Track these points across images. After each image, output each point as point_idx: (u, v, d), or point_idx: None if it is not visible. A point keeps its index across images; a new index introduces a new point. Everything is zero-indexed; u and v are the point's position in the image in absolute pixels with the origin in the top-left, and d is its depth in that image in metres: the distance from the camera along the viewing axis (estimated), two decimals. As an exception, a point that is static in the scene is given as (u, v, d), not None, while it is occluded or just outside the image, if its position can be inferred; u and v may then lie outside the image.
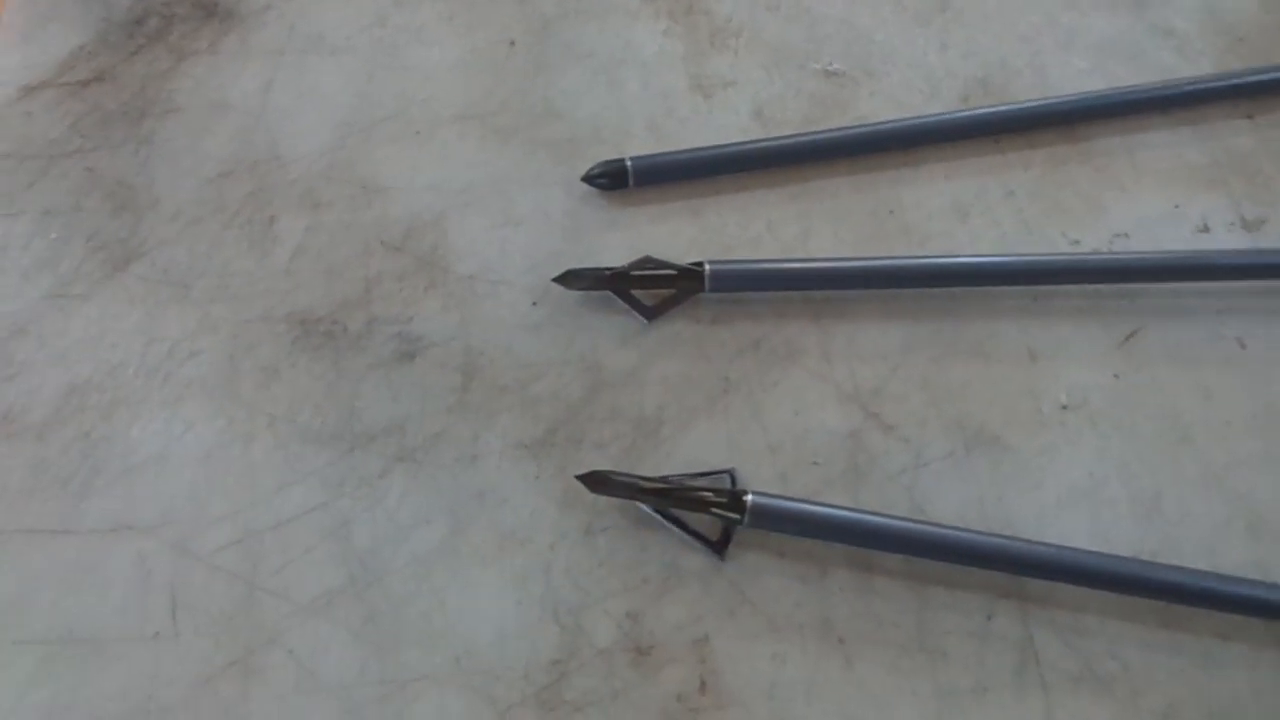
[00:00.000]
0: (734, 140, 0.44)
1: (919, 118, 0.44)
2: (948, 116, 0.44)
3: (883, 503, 0.36)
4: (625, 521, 0.36)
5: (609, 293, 0.40)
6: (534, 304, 0.40)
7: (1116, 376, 0.39)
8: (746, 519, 0.35)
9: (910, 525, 0.35)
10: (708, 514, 0.35)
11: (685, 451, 0.37)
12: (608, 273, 0.40)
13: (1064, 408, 0.39)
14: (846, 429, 0.38)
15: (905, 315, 0.40)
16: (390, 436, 0.37)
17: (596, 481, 0.35)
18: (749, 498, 0.35)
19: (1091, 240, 0.42)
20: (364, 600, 0.34)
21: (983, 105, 0.45)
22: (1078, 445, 0.38)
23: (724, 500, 0.35)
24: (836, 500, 0.36)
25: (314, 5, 0.48)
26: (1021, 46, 0.47)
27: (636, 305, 0.40)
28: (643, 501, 0.36)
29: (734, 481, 0.37)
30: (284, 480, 0.36)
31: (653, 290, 0.40)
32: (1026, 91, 0.46)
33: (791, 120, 0.45)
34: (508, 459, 0.37)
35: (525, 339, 0.39)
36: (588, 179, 0.42)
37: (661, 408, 0.38)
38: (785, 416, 0.38)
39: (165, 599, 0.34)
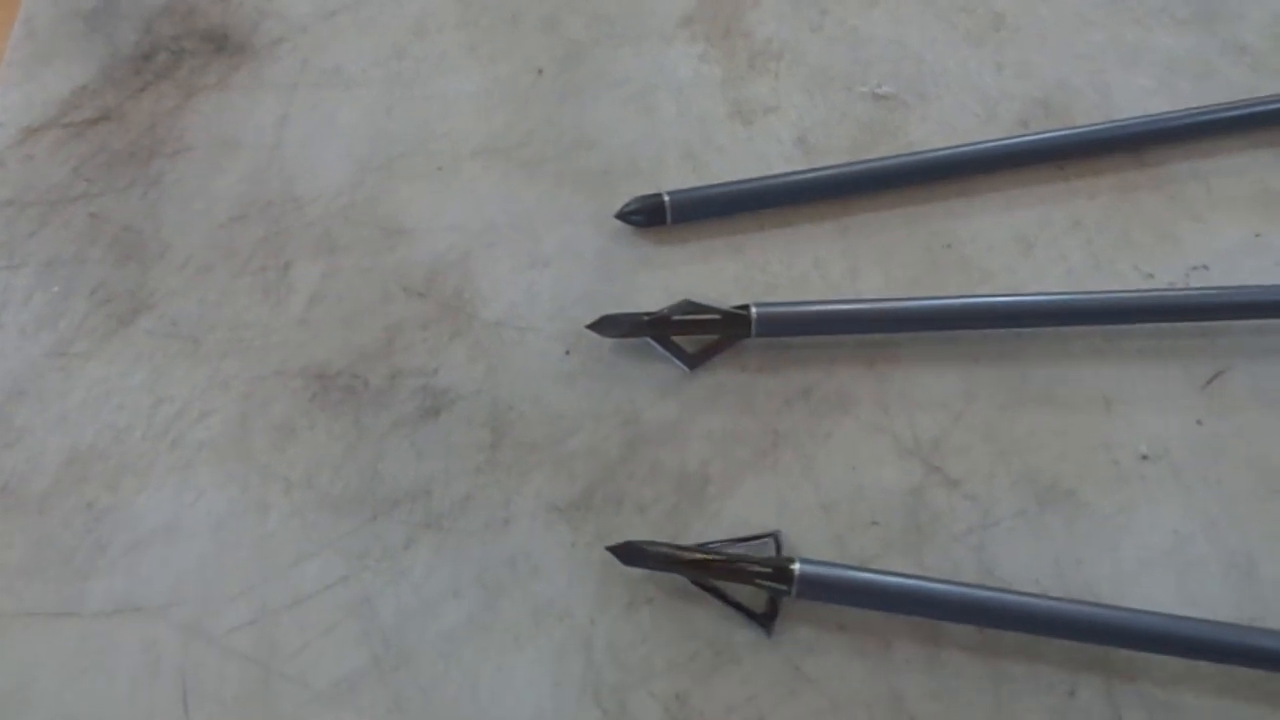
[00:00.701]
0: (776, 170, 0.41)
1: (974, 144, 0.41)
2: (1006, 142, 0.41)
3: (948, 566, 0.34)
4: (669, 592, 0.33)
5: (647, 339, 0.37)
6: (566, 352, 0.37)
7: (1200, 423, 0.36)
8: (795, 590, 0.32)
9: (980, 593, 0.32)
10: (752, 585, 0.32)
11: (733, 512, 0.34)
12: (646, 318, 0.37)
13: (1143, 458, 0.35)
14: (906, 485, 0.35)
15: (966, 359, 0.37)
16: (415, 501, 0.34)
17: (630, 553, 0.33)
18: (796, 566, 0.32)
19: (1166, 274, 0.39)
20: (389, 684, 0.32)
21: (1043, 129, 0.42)
22: (1160, 500, 0.35)
23: (769, 570, 0.32)
24: (897, 564, 0.34)
25: (329, 37, 0.45)
26: (1082, 65, 0.44)
27: (677, 352, 0.37)
28: (680, 573, 0.33)
29: (779, 547, 0.34)
30: (301, 552, 0.33)
31: (694, 336, 0.37)
32: (1089, 113, 0.43)
33: (837, 147, 0.42)
34: (541, 524, 0.34)
35: (557, 391, 0.37)
36: (622, 216, 0.40)
37: (706, 464, 0.35)
38: (840, 472, 0.35)
39: (175, 687, 0.31)
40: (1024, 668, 0.32)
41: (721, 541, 0.34)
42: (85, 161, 0.41)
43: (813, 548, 0.34)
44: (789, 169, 0.41)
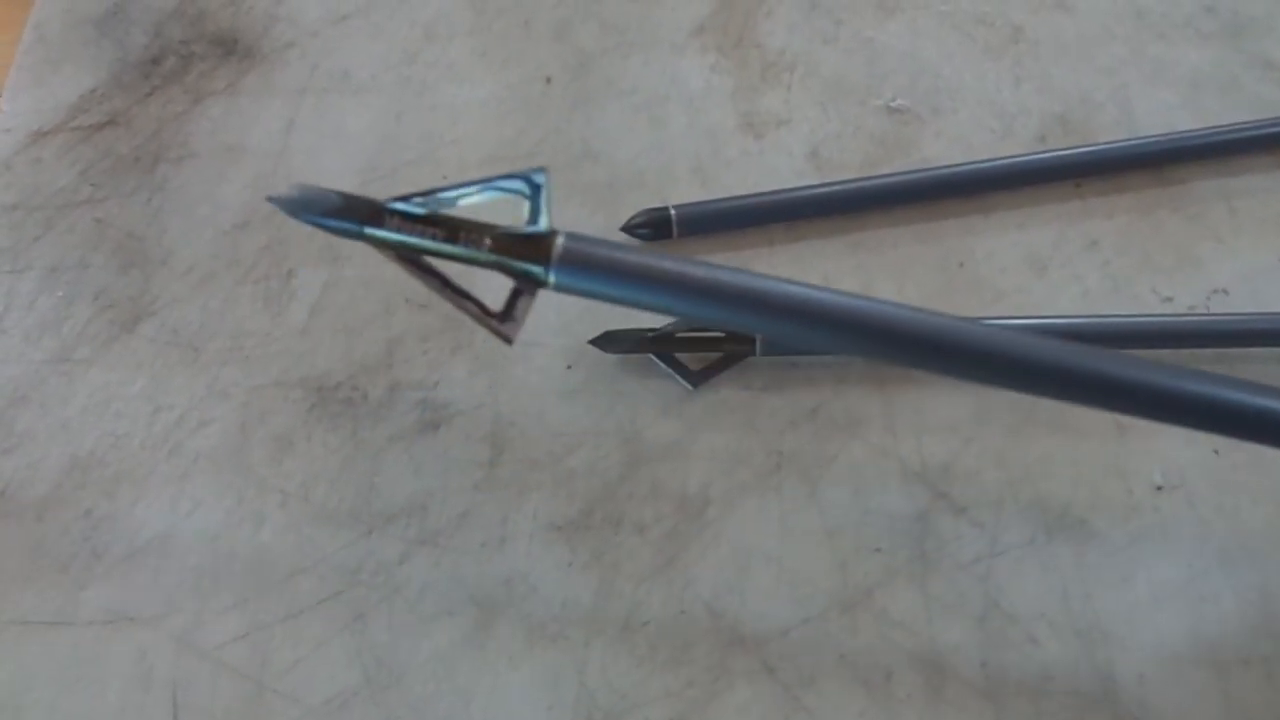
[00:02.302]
0: (787, 184, 0.40)
1: (990, 160, 0.40)
2: (1022, 158, 0.40)
3: (954, 595, 0.33)
4: (667, 615, 0.33)
5: (650, 356, 0.37)
6: (568, 368, 0.37)
7: (1217, 453, 0.35)
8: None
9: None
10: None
11: (733, 535, 0.34)
12: (649, 334, 0.36)
13: (1158, 489, 0.34)
14: (913, 511, 0.34)
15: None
16: (411, 517, 0.34)
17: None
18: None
19: (1186, 297, 0.38)
20: (380, 703, 0.31)
21: (1061, 146, 0.41)
22: (1174, 532, 0.34)
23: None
24: (901, 593, 0.33)
25: (340, 41, 0.45)
26: (1104, 80, 0.43)
27: (680, 370, 0.36)
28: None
29: None
30: (296, 566, 0.33)
31: (698, 353, 0.37)
32: (1110, 130, 0.42)
33: (850, 162, 0.41)
34: (539, 543, 0.34)
35: (559, 407, 0.36)
36: (628, 229, 0.39)
37: (707, 485, 0.35)
38: (844, 496, 0.35)
39: (166, 699, 0.31)
40: (1029, 705, 0.31)
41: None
42: (92, 166, 0.41)
43: (814, 574, 0.33)
44: (800, 183, 0.40)
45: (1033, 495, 0.34)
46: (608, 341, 0.36)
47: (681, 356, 0.37)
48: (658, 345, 0.36)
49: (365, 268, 0.39)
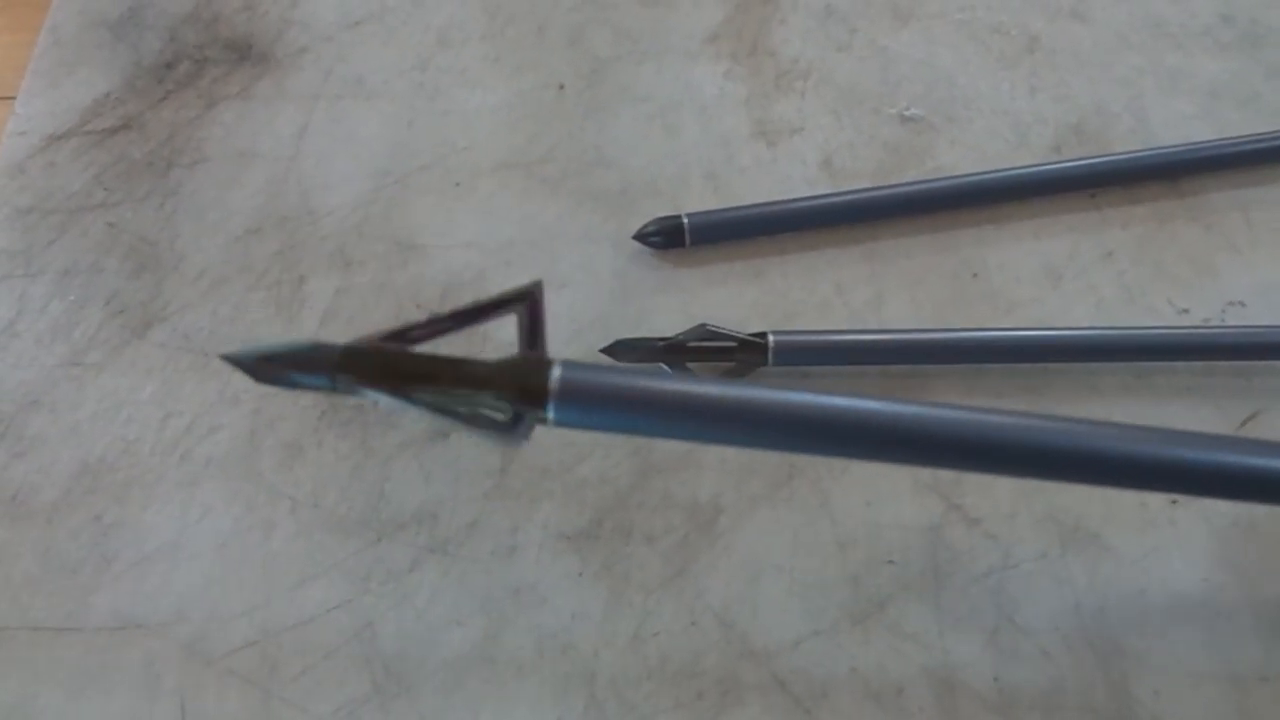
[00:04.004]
0: (800, 192, 0.40)
1: (1005, 169, 0.40)
2: (1037, 168, 0.40)
3: (966, 608, 0.32)
4: (677, 626, 0.32)
5: (662, 365, 0.36)
6: (580, 376, 0.37)
7: (1234, 467, 0.35)
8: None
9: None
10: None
11: (744, 546, 0.34)
12: (661, 344, 0.36)
13: (1173, 501, 0.34)
14: (925, 522, 0.34)
15: (990, 393, 0.36)
16: (421, 525, 0.34)
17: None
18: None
19: (1202, 309, 0.38)
20: (389, 713, 0.31)
21: (1077, 156, 0.41)
22: (1189, 546, 0.33)
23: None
24: (914, 606, 0.33)
25: (353, 47, 0.45)
26: (1120, 90, 0.43)
27: (692, 379, 0.36)
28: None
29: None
30: (305, 574, 0.33)
31: (711, 363, 0.36)
32: (1126, 140, 0.41)
33: (864, 170, 0.41)
34: (549, 552, 0.34)
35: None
36: (640, 237, 0.39)
37: (718, 495, 0.35)
38: (856, 507, 0.34)
39: (174, 707, 0.31)
40: (1040, 719, 0.31)
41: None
42: (105, 170, 0.41)
43: (826, 586, 0.33)
44: (813, 192, 0.40)
45: (1046, 508, 0.34)
46: (619, 350, 0.36)
47: (693, 366, 0.36)
48: (670, 355, 0.36)
49: (377, 274, 0.39)
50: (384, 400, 0.22)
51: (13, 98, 0.44)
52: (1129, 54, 0.44)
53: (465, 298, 0.38)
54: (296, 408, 0.36)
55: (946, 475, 0.35)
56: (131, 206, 0.40)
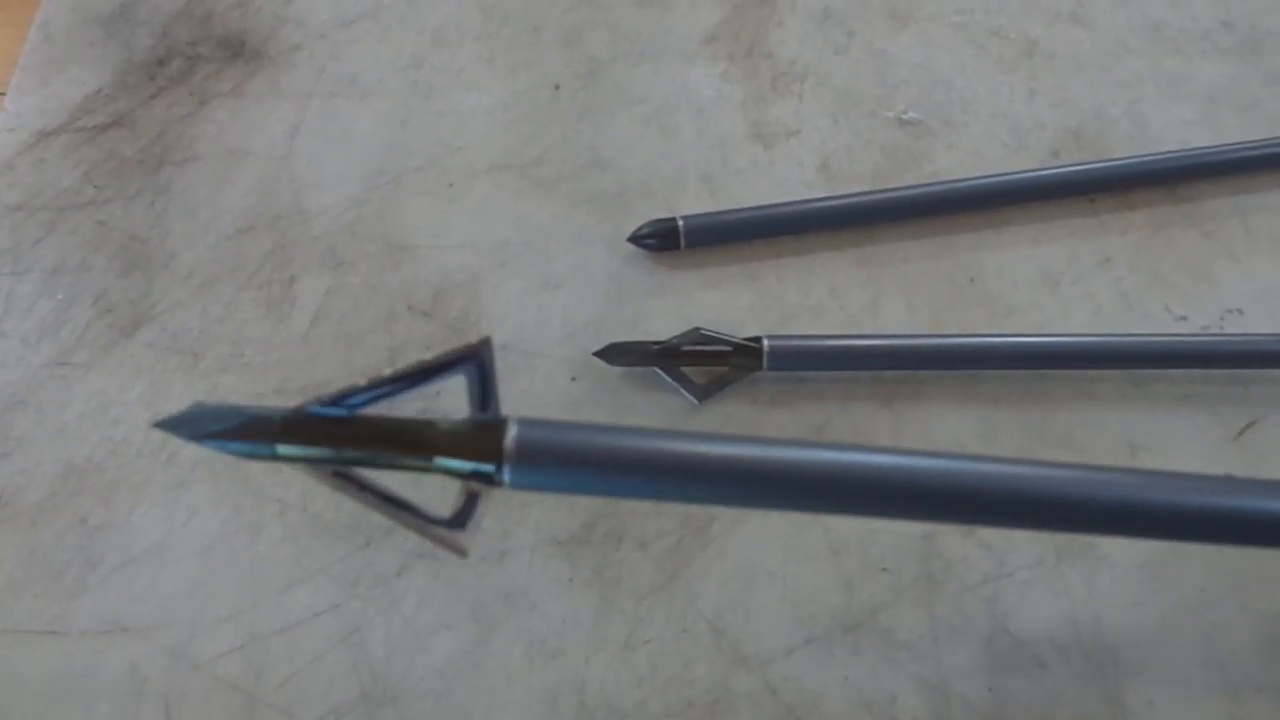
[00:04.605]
0: (796, 196, 0.40)
1: (1003, 174, 0.40)
2: (1035, 173, 0.40)
3: (960, 617, 0.32)
4: (668, 634, 0.32)
5: (655, 369, 0.36)
6: (572, 379, 0.36)
7: (1230, 475, 0.34)
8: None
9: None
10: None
11: (737, 551, 0.33)
12: (654, 347, 0.36)
13: (1170, 511, 0.34)
14: (919, 530, 0.34)
15: (986, 399, 0.36)
16: (410, 529, 0.34)
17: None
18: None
19: (1200, 316, 0.37)
20: (377, 719, 0.31)
21: (1075, 161, 0.40)
22: (1186, 556, 0.33)
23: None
24: (908, 615, 0.32)
25: (347, 45, 0.44)
26: (1119, 94, 0.42)
27: (686, 384, 0.36)
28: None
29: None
30: (292, 578, 0.33)
31: (704, 368, 0.36)
32: (1124, 145, 0.41)
33: (861, 174, 0.41)
34: (539, 557, 0.33)
35: (562, 419, 0.36)
36: (634, 239, 0.39)
37: (711, 501, 0.34)
38: (850, 514, 0.34)
39: (159, 712, 0.31)
40: (1036, 727, 0.31)
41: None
42: (95, 167, 0.41)
43: (819, 593, 0.33)
44: (810, 195, 0.40)
45: (1042, 516, 0.34)
46: (613, 354, 0.36)
47: (687, 370, 0.36)
48: (663, 359, 0.36)
49: (369, 275, 0.38)
50: (329, 462, 0.21)
51: (2, 94, 0.43)
52: (1128, 58, 0.43)
53: (458, 300, 0.38)
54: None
55: (941, 482, 0.34)
56: (121, 204, 0.40)
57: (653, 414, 0.36)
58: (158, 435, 0.35)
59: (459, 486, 0.22)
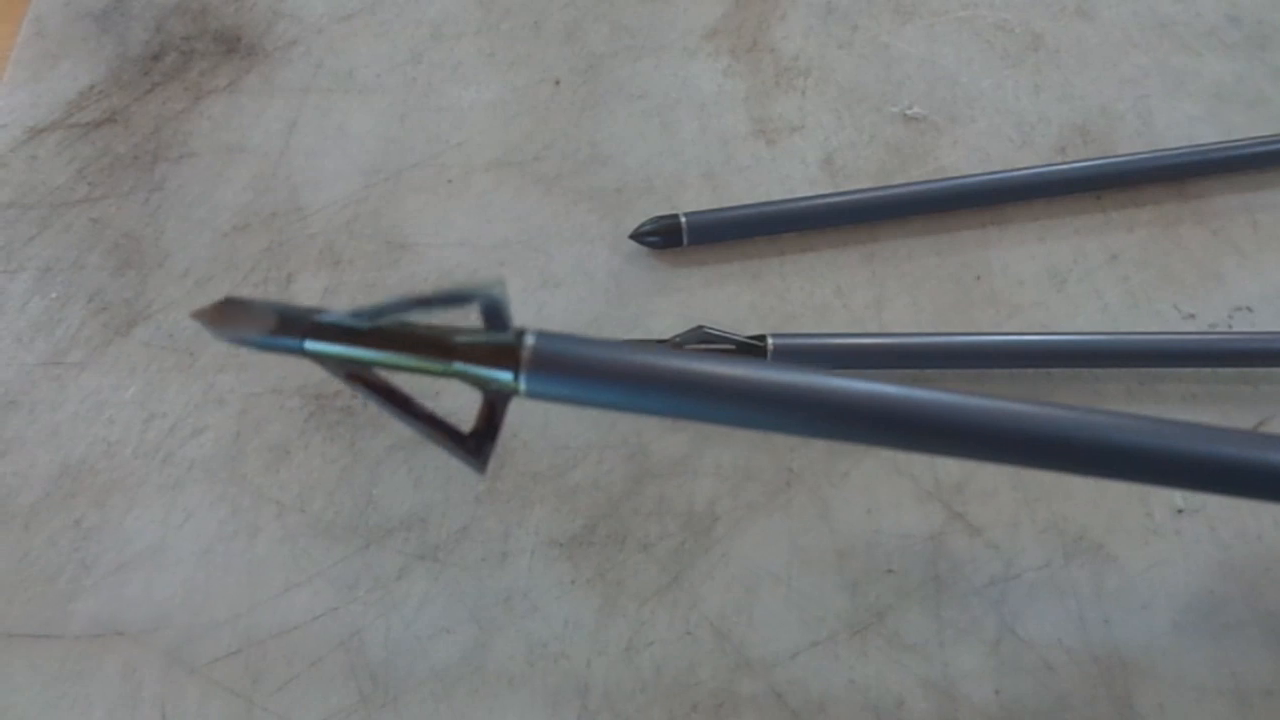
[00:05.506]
0: (800, 192, 0.40)
1: (1008, 170, 0.39)
2: (1041, 169, 0.39)
3: (967, 619, 0.32)
4: (672, 636, 0.32)
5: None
6: (574, 378, 0.36)
7: (1240, 476, 0.34)
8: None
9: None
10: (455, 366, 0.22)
11: (741, 554, 0.33)
12: (658, 344, 0.35)
13: (1179, 512, 0.34)
14: (926, 531, 0.33)
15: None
16: (410, 531, 0.33)
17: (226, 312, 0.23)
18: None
19: (1208, 314, 0.37)
20: (375, 724, 0.30)
21: (1081, 157, 0.40)
22: (1195, 557, 0.33)
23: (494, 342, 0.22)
24: (914, 616, 0.32)
25: (345, 40, 0.44)
26: (1125, 90, 0.42)
27: (688, 383, 0.35)
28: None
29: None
30: (291, 580, 0.32)
31: (707, 366, 0.36)
32: (1130, 141, 0.41)
33: (865, 170, 0.40)
34: (540, 559, 0.33)
35: (562, 418, 0.35)
36: (637, 236, 0.38)
37: (714, 502, 0.34)
38: (856, 515, 0.34)
39: (155, 717, 0.30)
40: (1044, 731, 0.30)
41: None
42: (89, 164, 0.40)
43: (824, 596, 0.32)
44: (813, 191, 0.40)
45: (1049, 517, 0.33)
46: (614, 352, 0.35)
47: (690, 369, 0.36)
48: (666, 357, 0.35)
49: (367, 273, 0.38)
50: (356, 362, 0.22)
51: (-5, 89, 0.43)
52: (1134, 54, 0.43)
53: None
54: (283, 409, 0.35)
55: (949, 482, 0.34)
56: (115, 202, 0.39)
57: (655, 414, 0.35)
58: (154, 435, 0.35)
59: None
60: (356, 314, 0.22)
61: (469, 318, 0.23)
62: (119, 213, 0.39)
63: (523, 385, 0.22)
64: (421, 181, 0.40)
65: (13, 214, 0.39)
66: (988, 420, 0.22)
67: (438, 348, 0.22)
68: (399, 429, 0.35)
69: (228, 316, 0.22)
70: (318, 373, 0.36)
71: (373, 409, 0.35)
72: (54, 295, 0.37)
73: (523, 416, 0.35)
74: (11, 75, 0.42)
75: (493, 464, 0.34)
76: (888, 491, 0.34)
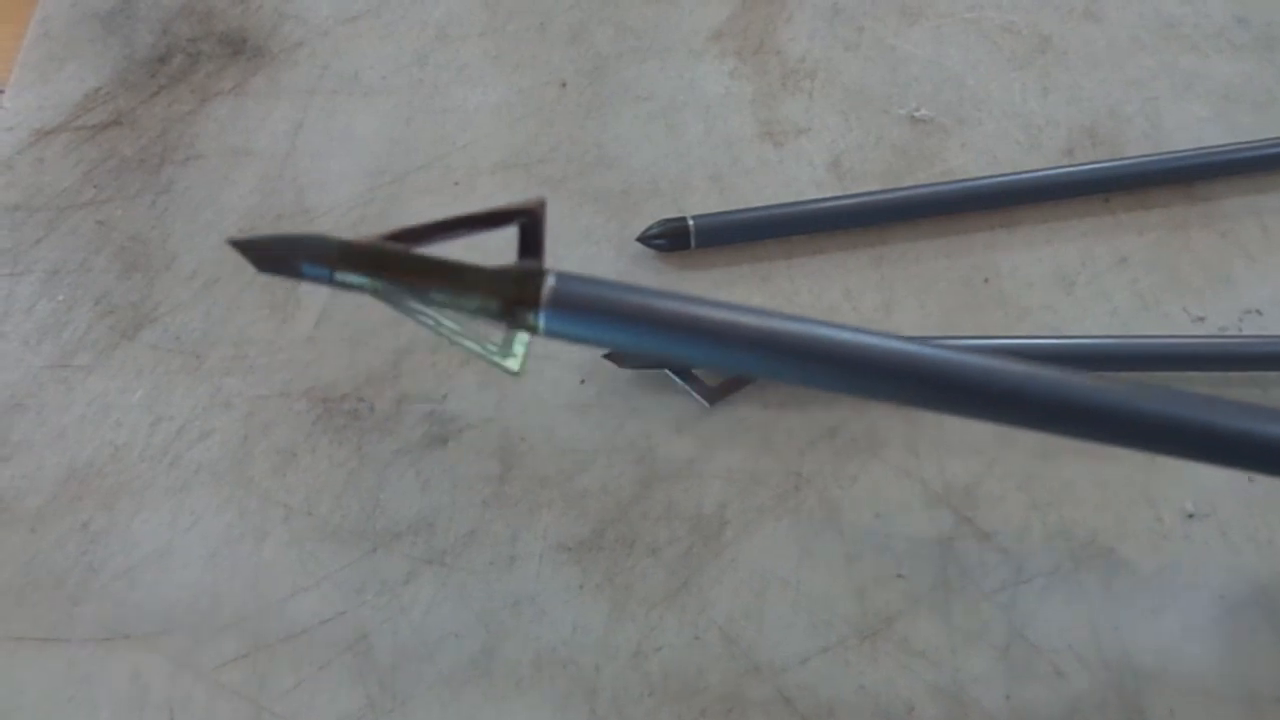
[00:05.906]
0: (807, 195, 0.39)
1: (1017, 173, 0.39)
2: (1050, 172, 0.39)
3: (976, 624, 0.32)
4: (680, 641, 0.32)
5: (665, 371, 0.35)
6: (581, 382, 0.36)
7: (1251, 480, 0.34)
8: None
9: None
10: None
11: (750, 558, 0.33)
12: (665, 349, 0.35)
13: (1189, 516, 0.33)
14: (935, 535, 0.33)
15: (1002, 402, 0.35)
16: (418, 535, 0.33)
17: (623, 355, 0.28)
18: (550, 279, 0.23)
19: (1218, 317, 0.37)
20: (383, 729, 0.30)
21: (1089, 159, 0.40)
22: (1206, 562, 0.33)
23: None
24: (923, 622, 0.32)
25: (350, 42, 0.44)
26: (1133, 92, 0.42)
27: (696, 386, 0.35)
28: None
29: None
30: (298, 584, 0.32)
31: (715, 370, 0.36)
32: (1139, 143, 0.41)
33: (872, 172, 0.40)
34: (548, 563, 0.33)
35: (570, 422, 0.35)
36: (644, 239, 0.38)
37: (723, 506, 0.34)
38: (865, 519, 0.33)
39: (162, 722, 0.30)
40: (1054, 736, 0.30)
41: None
42: (96, 166, 0.40)
43: (833, 600, 0.32)
44: (821, 194, 0.39)
45: (1059, 521, 0.33)
46: (621, 356, 0.35)
47: (698, 372, 0.35)
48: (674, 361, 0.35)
49: (373, 275, 0.38)
50: (381, 290, 0.22)
51: (1, 91, 0.43)
52: (1142, 55, 0.43)
53: (464, 300, 0.37)
54: (291, 413, 0.35)
55: (958, 486, 0.34)
56: (122, 204, 0.39)
57: (663, 416, 0.35)
58: (161, 437, 0.34)
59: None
60: (391, 237, 0.22)
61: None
62: (126, 215, 0.39)
63: (541, 323, 0.23)
64: (427, 183, 0.40)
65: (19, 216, 0.39)
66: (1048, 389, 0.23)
67: (462, 281, 0.22)
68: (407, 433, 0.35)
69: (261, 244, 0.23)
70: (326, 375, 0.36)
71: (378, 414, 0.35)
72: (61, 298, 0.37)
73: (529, 420, 0.35)
74: (18, 77, 0.42)
75: (499, 466, 0.34)
76: (896, 495, 0.34)
